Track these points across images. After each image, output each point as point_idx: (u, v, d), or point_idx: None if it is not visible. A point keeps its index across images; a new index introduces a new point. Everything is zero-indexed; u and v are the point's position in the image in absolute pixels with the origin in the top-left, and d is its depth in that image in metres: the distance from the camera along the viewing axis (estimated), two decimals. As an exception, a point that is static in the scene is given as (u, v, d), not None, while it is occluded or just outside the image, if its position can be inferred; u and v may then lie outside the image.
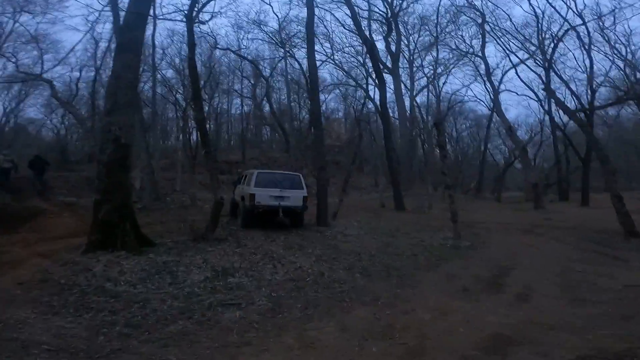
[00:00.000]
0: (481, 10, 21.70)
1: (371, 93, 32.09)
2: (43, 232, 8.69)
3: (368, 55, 22.92)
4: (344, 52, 30.17)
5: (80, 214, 10.76)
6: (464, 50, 25.41)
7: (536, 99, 24.69)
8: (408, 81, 31.93)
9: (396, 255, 7.48)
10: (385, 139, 17.51)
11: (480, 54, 23.01)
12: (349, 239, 9.02)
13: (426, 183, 18.33)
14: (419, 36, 30.21)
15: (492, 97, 22.22)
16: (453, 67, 28.73)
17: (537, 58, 20.62)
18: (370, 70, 29.95)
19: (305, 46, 13.59)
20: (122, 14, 13.16)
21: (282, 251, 7.17)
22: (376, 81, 20.52)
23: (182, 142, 24.29)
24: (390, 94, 26.87)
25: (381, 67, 21.28)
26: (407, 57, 31.93)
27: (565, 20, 18.49)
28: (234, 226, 9.69)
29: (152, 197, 12.51)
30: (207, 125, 33.34)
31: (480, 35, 22.65)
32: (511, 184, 38.08)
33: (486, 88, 22.28)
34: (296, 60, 30.97)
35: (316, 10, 15.79)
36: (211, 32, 35.90)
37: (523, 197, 27.07)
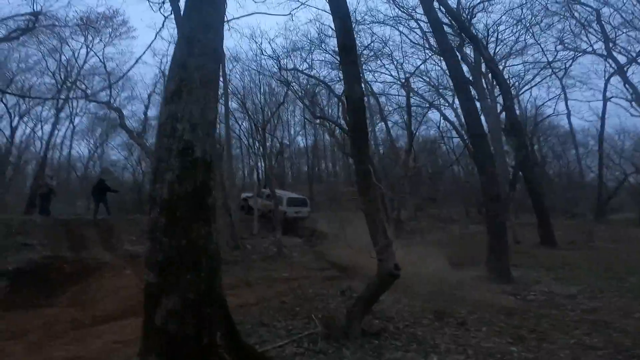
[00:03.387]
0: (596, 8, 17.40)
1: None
2: (89, 304, 6.03)
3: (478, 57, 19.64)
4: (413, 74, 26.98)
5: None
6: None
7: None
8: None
9: None
10: (524, 157, 13.72)
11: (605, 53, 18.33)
12: (578, 305, 5.11)
13: (584, 210, 13.51)
14: (497, 45, 26.10)
15: (634, 101, 16.98)
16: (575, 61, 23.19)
17: None
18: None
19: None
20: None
21: (523, 351, 3.47)
22: (498, 89, 16.96)
23: (261, 172, 21.91)
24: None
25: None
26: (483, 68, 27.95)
27: None
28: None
29: (231, 246, 9.58)
30: (271, 161, 31.53)
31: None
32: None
33: (632, 88, 16.79)
34: (365, 81, 28.39)
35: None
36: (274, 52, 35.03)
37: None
